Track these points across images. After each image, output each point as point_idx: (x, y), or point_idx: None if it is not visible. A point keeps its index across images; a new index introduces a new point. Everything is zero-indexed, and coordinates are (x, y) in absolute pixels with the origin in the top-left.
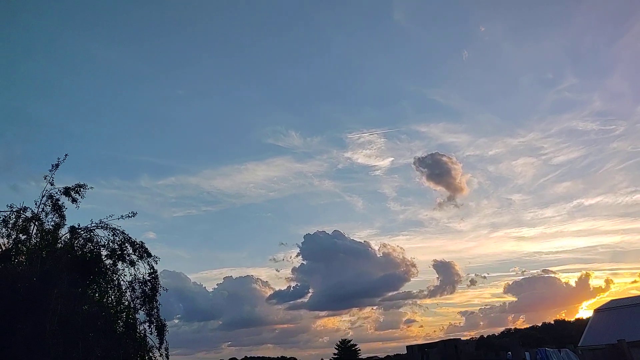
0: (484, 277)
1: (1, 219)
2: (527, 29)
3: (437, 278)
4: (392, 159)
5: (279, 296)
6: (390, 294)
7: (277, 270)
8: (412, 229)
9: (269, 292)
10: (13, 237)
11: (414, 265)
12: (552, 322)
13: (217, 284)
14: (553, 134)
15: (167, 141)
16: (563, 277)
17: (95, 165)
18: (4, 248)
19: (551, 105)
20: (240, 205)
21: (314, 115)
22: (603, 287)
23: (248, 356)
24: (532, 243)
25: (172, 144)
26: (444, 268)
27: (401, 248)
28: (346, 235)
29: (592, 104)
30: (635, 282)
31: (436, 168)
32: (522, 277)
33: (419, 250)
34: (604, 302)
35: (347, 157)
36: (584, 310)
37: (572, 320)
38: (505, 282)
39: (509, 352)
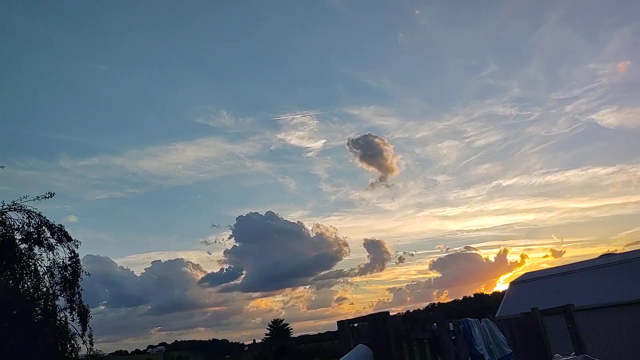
0: (412, 255)
1: None
2: (458, 13)
3: (368, 256)
4: (325, 140)
5: (211, 279)
6: (322, 272)
7: (208, 252)
8: (343, 210)
9: (201, 275)
10: None
11: (346, 245)
12: (472, 296)
13: (145, 269)
14: (476, 118)
15: (89, 119)
16: (483, 253)
17: (7, 144)
18: None
19: (474, 90)
20: (169, 187)
21: (246, 95)
22: (519, 261)
23: (179, 340)
24: (455, 222)
25: (94, 122)
26: (374, 247)
27: (334, 228)
28: (279, 217)
29: (511, 91)
30: (546, 256)
31: (369, 149)
32: (446, 254)
33: (351, 230)
34: (519, 275)
35: (280, 139)
36: (501, 284)
37: (490, 293)
38: (431, 259)
39: (434, 324)
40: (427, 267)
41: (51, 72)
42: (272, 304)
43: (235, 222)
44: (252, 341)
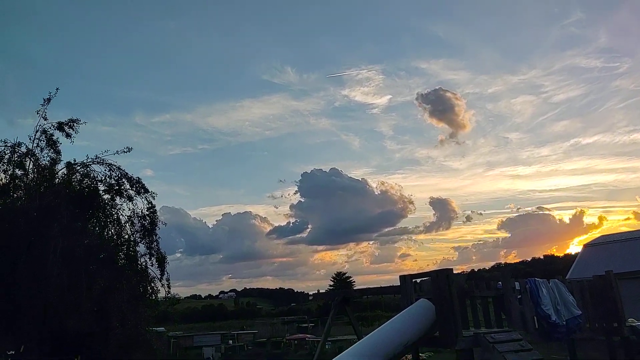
0: (480, 214)
1: None
2: None
3: (434, 215)
4: (390, 96)
5: (278, 231)
6: (386, 229)
7: (275, 207)
8: (408, 167)
9: (268, 228)
10: (10, 172)
11: (411, 202)
12: (542, 257)
13: (216, 220)
14: (555, 71)
15: (161, 77)
16: (557, 214)
17: (88, 101)
18: (1, 183)
19: (555, 41)
20: (237, 143)
21: (310, 50)
22: (596, 224)
23: (248, 287)
24: (527, 181)
25: (166, 80)
26: (440, 205)
27: (399, 185)
28: (343, 173)
29: (597, 40)
30: (628, 219)
31: (439, 104)
32: (516, 214)
33: (416, 188)
34: (594, 238)
35: (344, 95)
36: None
37: (561, 255)
38: (500, 218)
39: (499, 282)
40: (495, 227)
41: (125, 33)
42: (336, 258)
43: (300, 178)
44: (317, 291)
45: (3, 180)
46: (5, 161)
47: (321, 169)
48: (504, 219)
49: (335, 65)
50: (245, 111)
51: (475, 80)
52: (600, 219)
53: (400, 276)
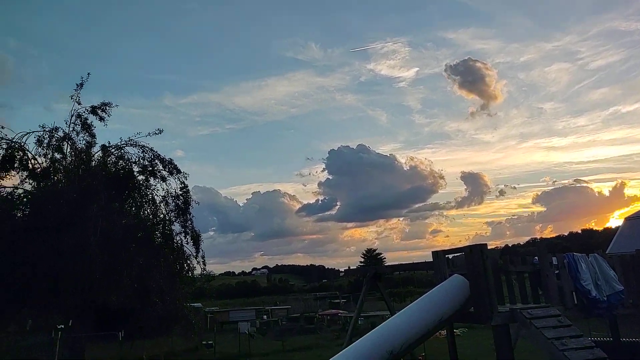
0: (513, 188)
1: (36, 139)
2: None
3: (465, 189)
4: (417, 69)
5: (308, 209)
6: (416, 205)
7: (303, 184)
8: (438, 142)
9: (297, 206)
10: (49, 156)
11: (441, 177)
12: (580, 232)
13: (246, 199)
14: (592, 36)
15: (188, 58)
16: (595, 187)
17: (118, 85)
18: (42, 167)
19: (592, 4)
20: (263, 122)
21: (334, 25)
22: (639, 195)
23: (279, 264)
24: (563, 153)
25: (192, 61)
26: (472, 179)
27: (428, 160)
28: (371, 149)
29: (637, 1)
30: None
31: (469, 75)
32: (552, 188)
33: (446, 162)
34: (637, 211)
35: (369, 69)
36: (615, 220)
37: (600, 229)
38: (534, 192)
39: (536, 257)
40: (529, 201)
41: (151, 16)
42: (365, 234)
43: (328, 155)
44: (347, 268)
45: (44, 164)
46: (45, 146)
47: (348, 146)
48: (539, 193)
49: (359, 39)
50: (271, 89)
51: (507, 49)
52: None
53: (433, 252)
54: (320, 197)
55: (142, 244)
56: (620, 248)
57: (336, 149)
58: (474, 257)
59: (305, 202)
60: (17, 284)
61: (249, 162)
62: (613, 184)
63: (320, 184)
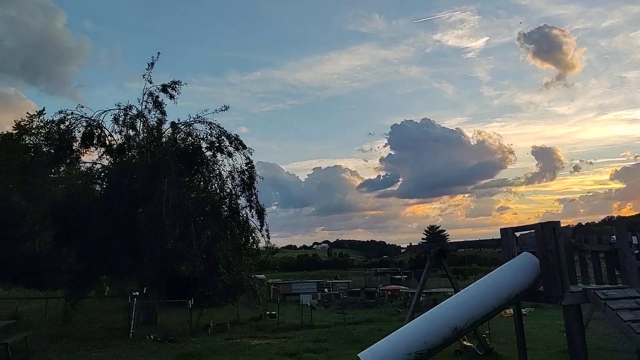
0: (590, 164)
1: (112, 117)
2: None
3: (536, 165)
4: (487, 38)
5: (369, 185)
6: (483, 181)
7: (365, 160)
8: (507, 115)
9: (358, 181)
10: (124, 133)
11: (511, 152)
12: None
13: (307, 174)
14: None
15: (250, 35)
16: None
17: (185, 63)
18: (118, 143)
19: None
20: (325, 97)
21: None
22: None
23: (340, 239)
24: None
25: (255, 38)
26: (544, 154)
27: (497, 135)
28: (436, 124)
29: None
30: None
31: (544, 43)
32: (633, 163)
33: (516, 137)
34: None
35: (435, 40)
36: None
37: None
38: (613, 168)
39: (613, 236)
40: (607, 177)
41: None
42: (428, 211)
43: (390, 130)
44: (409, 244)
45: (119, 141)
46: (120, 123)
47: (412, 120)
48: (619, 168)
49: (425, 8)
50: (333, 64)
51: (587, 13)
52: None
53: (502, 229)
54: (382, 173)
55: (210, 217)
56: None
57: (399, 123)
58: (545, 235)
59: (366, 177)
60: (96, 254)
61: (310, 137)
62: None
63: (382, 160)
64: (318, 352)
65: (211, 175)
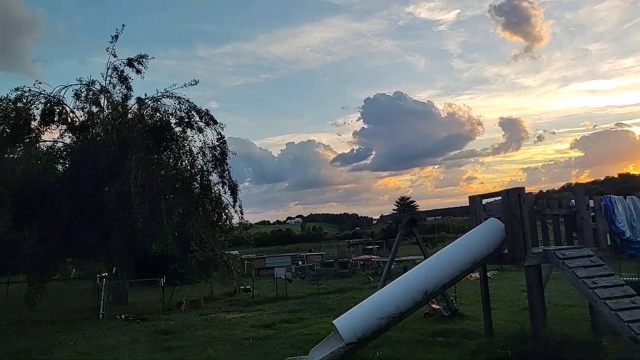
0: (552, 133)
1: (73, 92)
2: None
3: (503, 135)
4: (459, 11)
5: (342, 159)
6: (452, 152)
7: (338, 134)
8: (477, 87)
9: (332, 156)
10: (87, 109)
11: (479, 124)
12: (616, 176)
13: (280, 150)
14: None
15: (220, 7)
16: (637, 131)
17: (152, 36)
18: (80, 120)
19: None
20: (298, 71)
21: None
22: None
23: (313, 213)
24: (606, 96)
25: (225, 10)
26: (510, 125)
27: (467, 107)
28: (408, 97)
29: None
30: None
31: (514, 15)
32: (592, 132)
33: (485, 108)
34: None
35: (408, 12)
36: None
37: (637, 173)
38: (574, 137)
39: (572, 201)
40: (568, 146)
41: None
42: (400, 183)
43: (363, 104)
44: (380, 215)
45: (82, 118)
46: (82, 99)
47: (385, 94)
48: (578, 138)
49: None
50: (306, 37)
51: None
52: None
53: (470, 197)
54: (355, 147)
55: (181, 194)
56: None
57: (372, 97)
58: (510, 200)
59: (340, 152)
60: (60, 234)
61: (283, 112)
62: None
63: (355, 134)
64: (293, 322)
65: (181, 151)
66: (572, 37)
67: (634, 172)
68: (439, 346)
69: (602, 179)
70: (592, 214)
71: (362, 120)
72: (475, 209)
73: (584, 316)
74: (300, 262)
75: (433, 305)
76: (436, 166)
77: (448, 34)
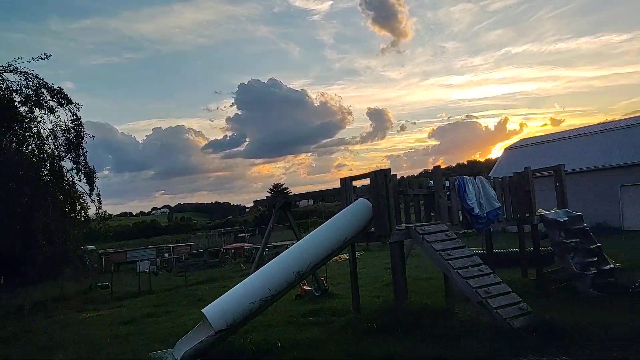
0: (413, 123)
1: None
2: None
3: (370, 125)
4: (332, 2)
5: (214, 146)
6: (324, 141)
7: (210, 120)
8: (348, 78)
9: (203, 142)
10: None
11: (349, 113)
12: (465, 163)
13: (146, 135)
14: None
15: None
16: (483, 122)
17: None
18: None
19: None
20: (167, 52)
21: None
22: (517, 130)
23: (182, 202)
24: (459, 90)
25: None
26: (377, 115)
27: (338, 96)
28: (282, 84)
29: None
30: (545, 125)
31: (383, 10)
32: (446, 123)
33: (355, 98)
34: (514, 142)
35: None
36: (496, 151)
37: (483, 160)
38: (431, 127)
39: (431, 182)
40: (426, 135)
41: None
42: (273, 170)
43: (237, 89)
44: (254, 201)
45: None
46: None
47: (259, 80)
48: (435, 128)
49: None
50: (176, 16)
51: None
52: (521, 125)
53: (341, 179)
54: (229, 133)
55: (26, 183)
56: (501, 173)
57: (246, 82)
58: (378, 181)
59: (212, 138)
60: None
61: (150, 95)
62: (498, 119)
63: (228, 120)
64: (159, 315)
65: (27, 134)
66: (432, 34)
67: (480, 159)
68: (310, 326)
69: (454, 165)
70: (448, 193)
71: (235, 106)
72: (346, 190)
73: (440, 287)
74: (166, 254)
75: (304, 287)
76: (309, 154)
77: (322, 24)
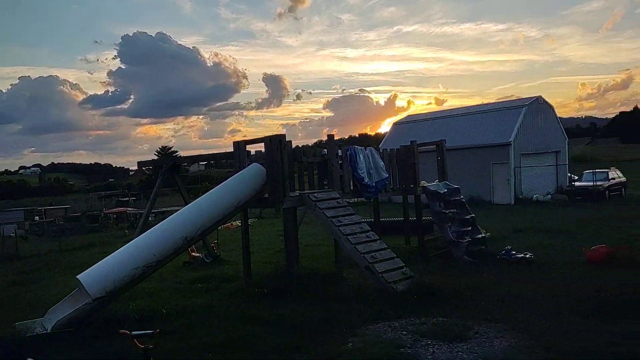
0: (309, 93)
1: None
2: None
3: (266, 91)
4: None
5: (94, 101)
6: (218, 104)
7: (89, 72)
8: (243, 40)
9: (81, 97)
10: None
11: (245, 77)
12: (357, 135)
13: (11, 84)
14: None
15: None
16: (375, 97)
17: None
18: None
19: None
20: None
21: None
22: (405, 107)
23: (55, 162)
24: (353, 64)
25: None
26: (273, 82)
27: (233, 58)
28: (172, 40)
29: None
30: (430, 104)
31: None
32: (340, 95)
33: (250, 62)
34: (401, 118)
35: None
36: (385, 126)
37: (373, 134)
38: (326, 98)
39: (324, 150)
40: (321, 106)
41: None
42: (161, 132)
43: (121, 40)
44: (138, 162)
45: None
46: None
47: (146, 33)
48: (330, 99)
49: None
50: None
51: None
52: (409, 102)
53: (234, 142)
54: (111, 89)
55: None
56: (389, 146)
57: (131, 34)
58: (272, 146)
59: (91, 92)
60: None
61: (15, 38)
62: (388, 95)
63: (110, 74)
64: (25, 283)
65: None
66: (329, 4)
67: (370, 133)
68: (199, 292)
69: (346, 137)
70: (340, 162)
71: (119, 59)
72: (240, 154)
73: (330, 253)
74: (37, 217)
75: (193, 254)
76: (201, 116)
77: None
